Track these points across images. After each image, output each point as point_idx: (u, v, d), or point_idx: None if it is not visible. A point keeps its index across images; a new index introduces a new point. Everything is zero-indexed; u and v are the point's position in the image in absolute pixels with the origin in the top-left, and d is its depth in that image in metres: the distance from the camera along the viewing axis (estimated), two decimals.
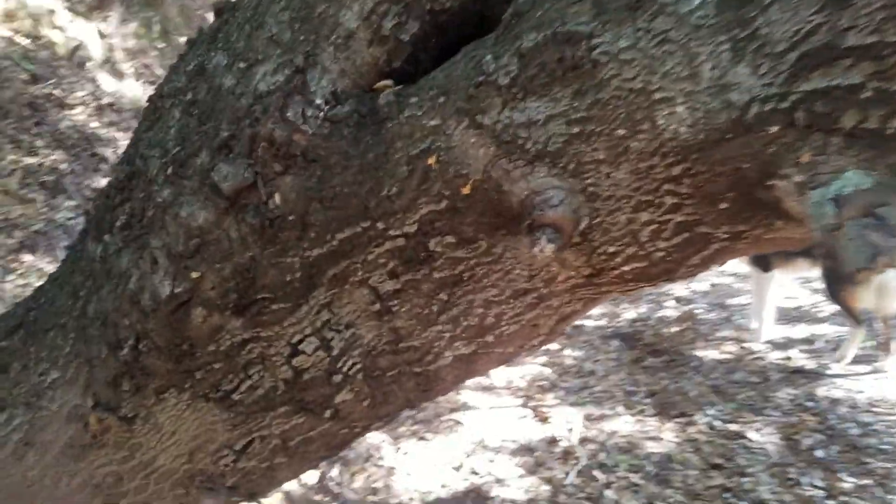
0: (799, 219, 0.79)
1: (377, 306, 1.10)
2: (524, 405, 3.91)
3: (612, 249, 0.94)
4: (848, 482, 3.05)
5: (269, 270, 1.05)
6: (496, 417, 3.76)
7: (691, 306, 5.25)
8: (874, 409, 3.59)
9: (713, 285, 5.65)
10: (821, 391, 3.85)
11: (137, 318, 1.13)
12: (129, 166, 1.13)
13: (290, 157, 0.99)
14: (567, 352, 4.63)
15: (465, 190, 0.95)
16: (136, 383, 1.21)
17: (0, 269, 3.38)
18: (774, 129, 0.74)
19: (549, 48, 0.84)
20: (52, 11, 5.02)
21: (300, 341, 1.13)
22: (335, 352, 1.14)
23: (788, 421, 3.64)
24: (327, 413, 1.22)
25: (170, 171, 1.05)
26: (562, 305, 1.07)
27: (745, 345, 4.50)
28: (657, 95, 0.80)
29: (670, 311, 5.22)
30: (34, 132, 4.31)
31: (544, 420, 3.72)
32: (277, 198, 1.01)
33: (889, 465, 3.11)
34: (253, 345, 1.14)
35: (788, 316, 5.00)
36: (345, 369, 1.16)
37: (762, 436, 3.51)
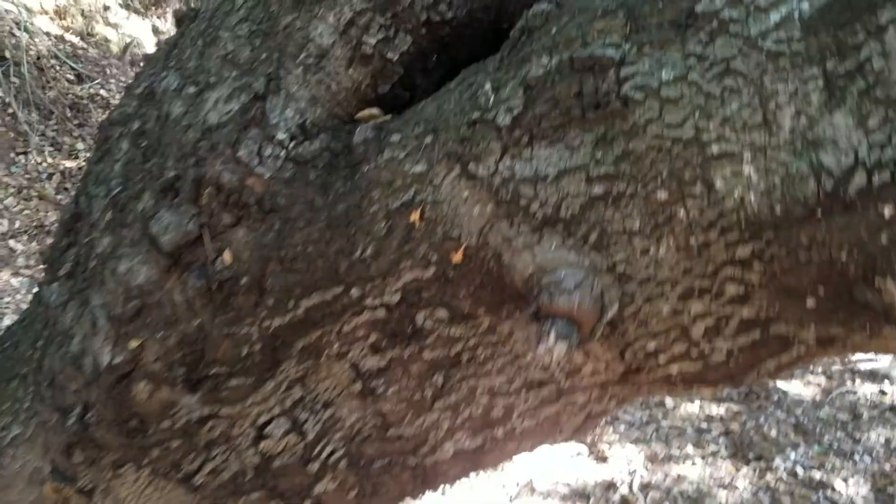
0: None
1: (359, 385, 0.89)
2: (580, 440, 3.59)
3: (652, 346, 0.70)
4: None
5: (222, 342, 0.85)
6: (547, 454, 3.44)
7: None
8: None
9: None
10: None
11: (82, 386, 0.96)
12: (74, 205, 0.95)
13: (243, 207, 0.79)
14: None
15: (457, 257, 0.72)
16: (88, 455, 1.03)
17: (27, 279, 3.30)
18: (889, 209, 0.49)
19: (564, 78, 0.62)
20: (106, 8, 4.99)
21: (267, 423, 0.93)
22: (310, 436, 0.94)
23: (881, 469, 3.30)
24: None
25: (109, 215, 0.87)
26: (589, 402, 0.83)
27: (834, 376, 4.09)
28: (714, 149, 0.57)
29: None
30: (76, 134, 4.26)
31: (602, 459, 3.42)
32: (227, 256, 0.81)
33: None
34: (214, 422, 0.95)
35: None
36: (323, 456, 0.95)
37: (850, 486, 3.18)
